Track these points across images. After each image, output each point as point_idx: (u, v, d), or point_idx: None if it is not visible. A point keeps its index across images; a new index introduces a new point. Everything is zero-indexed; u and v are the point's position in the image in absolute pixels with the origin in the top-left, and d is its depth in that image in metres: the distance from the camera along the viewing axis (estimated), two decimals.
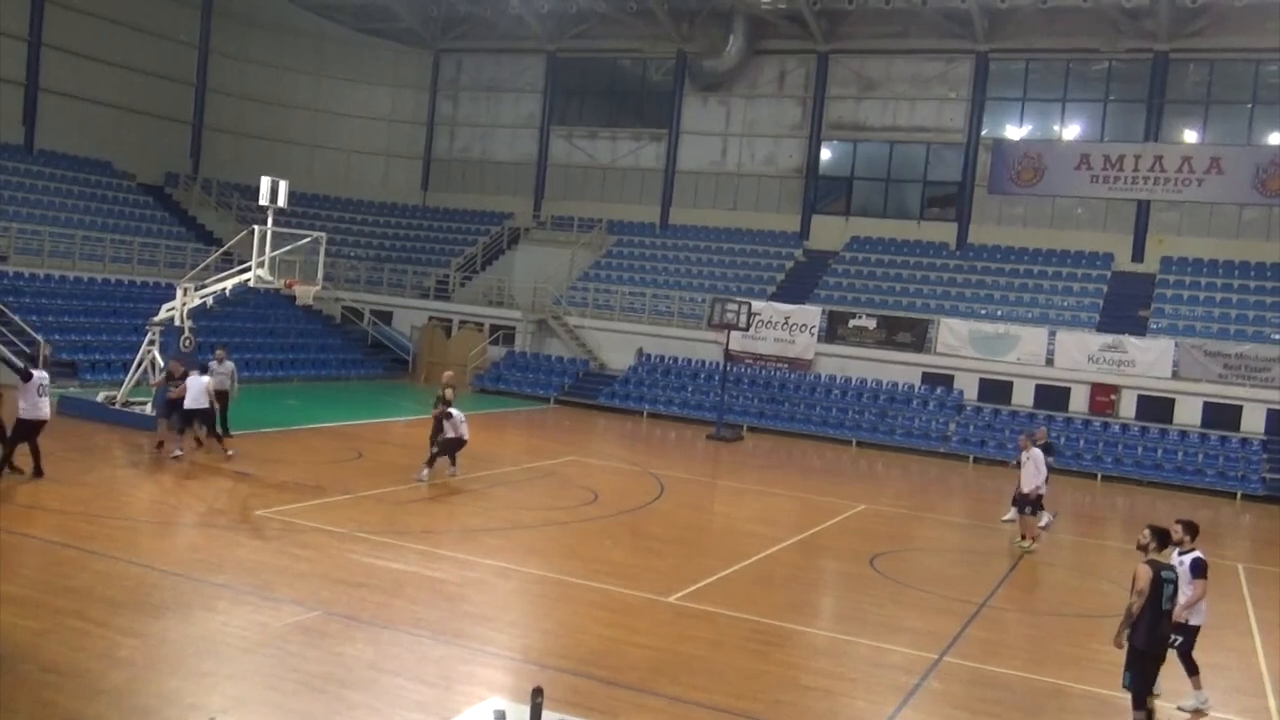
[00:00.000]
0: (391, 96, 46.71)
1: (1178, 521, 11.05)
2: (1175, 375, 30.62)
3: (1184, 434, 29.90)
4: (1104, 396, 31.13)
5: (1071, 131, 38.09)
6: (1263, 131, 35.70)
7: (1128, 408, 31.00)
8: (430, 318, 39.27)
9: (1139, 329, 32.54)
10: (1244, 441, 29.26)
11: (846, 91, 40.23)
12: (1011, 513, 20.05)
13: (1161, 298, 34.09)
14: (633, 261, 40.53)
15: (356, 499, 17.23)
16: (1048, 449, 19.57)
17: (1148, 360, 30.93)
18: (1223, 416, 29.93)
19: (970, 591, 14.93)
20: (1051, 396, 31.66)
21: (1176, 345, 30.95)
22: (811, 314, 34.80)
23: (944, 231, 38.67)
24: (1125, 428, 30.47)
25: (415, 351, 38.68)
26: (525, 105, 45.38)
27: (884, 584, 15.19)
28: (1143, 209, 36.30)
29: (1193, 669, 10.91)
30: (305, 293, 22.59)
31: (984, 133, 38.43)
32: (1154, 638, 9.58)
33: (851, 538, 18.25)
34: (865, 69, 39.88)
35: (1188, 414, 30.29)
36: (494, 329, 38.30)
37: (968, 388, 32.63)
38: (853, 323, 34.41)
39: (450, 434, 19.15)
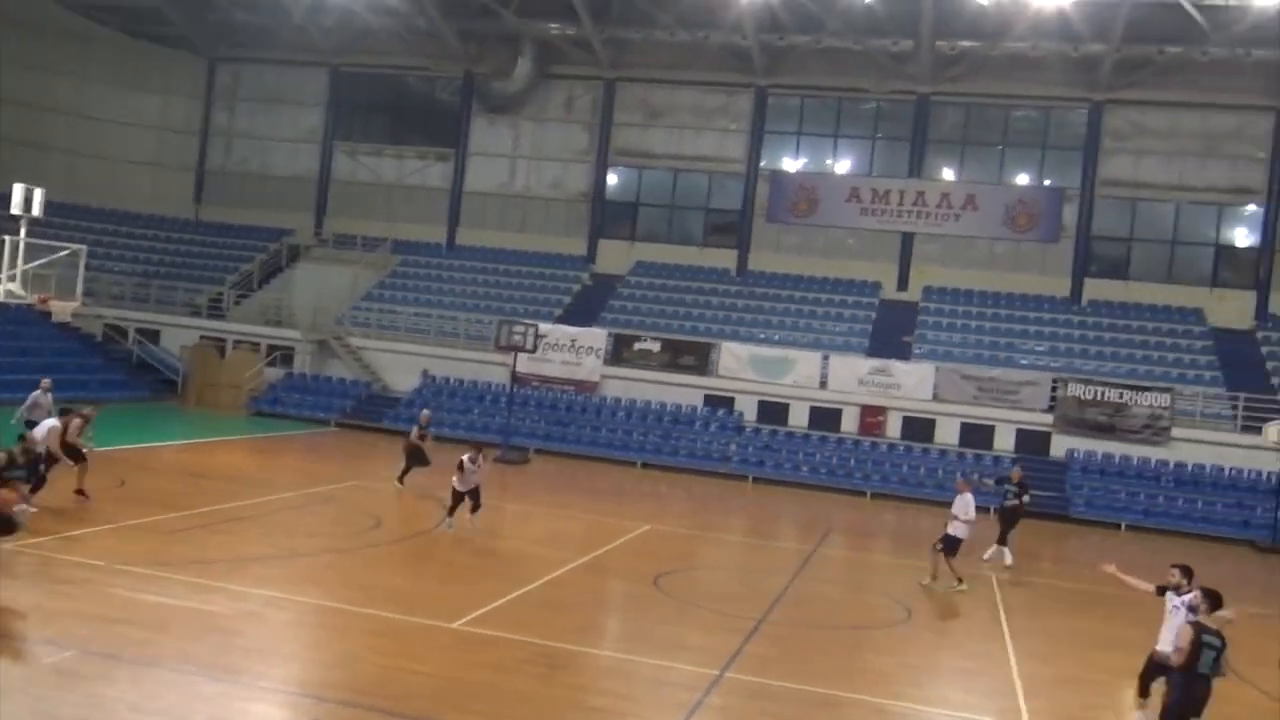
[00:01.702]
0: (162, 104, 44.41)
1: (1174, 566, 11.73)
2: (936, 397, 32.58)
3: (943, 452, 31.83)
4: (873, 417, 32.79)
5: (843, 166, 40.11)
6: (1012, 172, 38.63)
7: (894, 428, 32.75)
8: (202, 337, 37.45)
9: (904, 354, 34.47)
10: (996, 459, 31.38)
11: (633, 119, 41.02)
12: (992, 550, 21.11)
13: (924, 324, 36.24)
14: (419, 282, 39.91)
15: (119, 529, 16.20)
16: (1022, 487, 21.29)
17: (911, 383, 32.80)
18: (977, 436, 32.05)
19: (749, 608, 15.38)
20: (825, 418, 33.09)
21: (937, 369, 32.94)
22: (598, 337, 35.19)
23: (725, 258, 39.92)
24: (892, 447, 32.16)
25: (185, 373, 36.77)
26: (307, 119, 44.06)
27: (667, 603, 15.45)
28: (907, 241, 38.55)
29: None
30: (62, 309, 21.23)
31: (763, 164, 39.94)
32: (1186, 698, 9.51)
33: (636, 558, 18.50)
34: (651, 98, 40.79)
35: (947, 434, 32.28)
36: (271, 349, 36.89)
37: (747, 409, 33.70)
38: (638, 345, 34.99)
39: (462, 486, 18.59)
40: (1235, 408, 31.33)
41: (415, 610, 13.33)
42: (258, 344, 36.96)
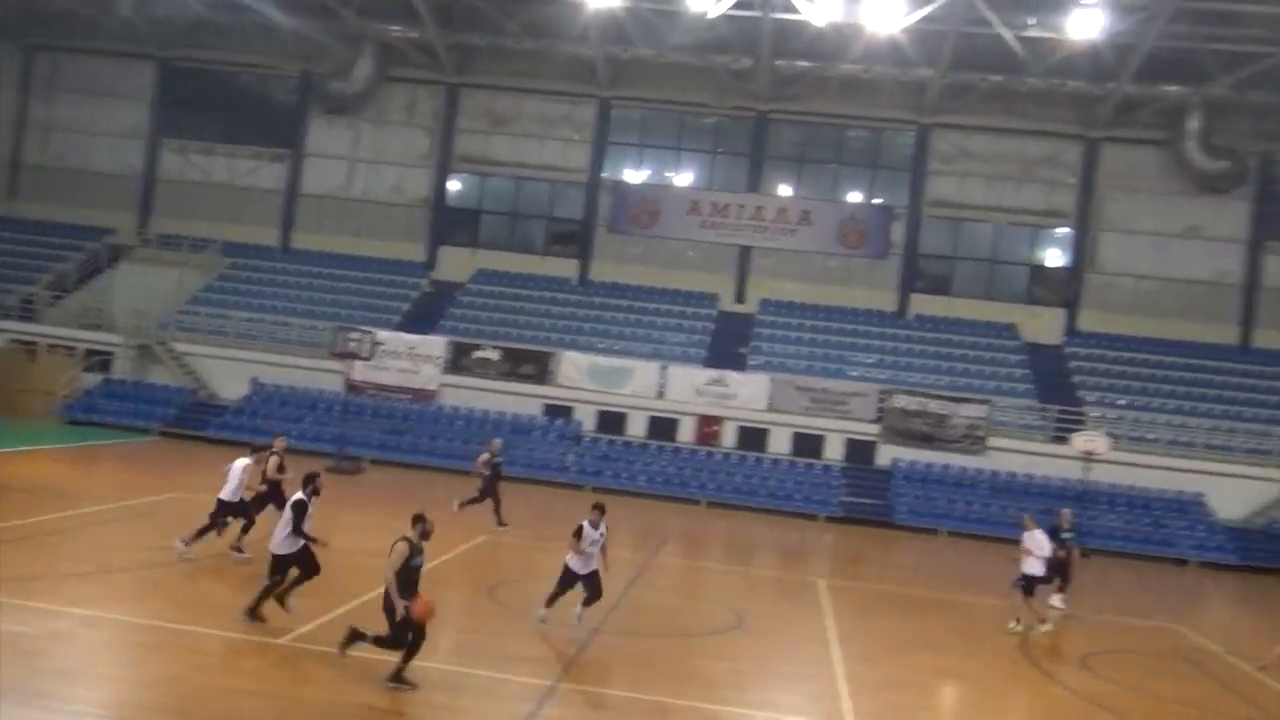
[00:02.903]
0: None
1: None
2: (770, 407, 33.40)
3: (776, 462, 32.66)
4: (709, 427, 33.41)
5: (684, 179, 40.78)
6: (845, 190, 40.02)
7: (729, 438, 33.43)
8: (11, 340, 35.34)
9: (740, 364, 35.23)
10: (826, 468, 32.41)
11: (476, 125, 40.74)
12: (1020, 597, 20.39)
13: (759, 336, 37.13)
14: (250, 286, 38.62)
15: None
16: (1054, 532, 19.19)
17: (747, 394, 33.55)
18: (809, 445, 33.02)
19: (586, 617, 15.42)
20: (663, 427, 33.53)
21: (771, 380, 33.79)
22: (437, 345, 34.77)
23: (567, 267, 40.03)
24: (727, 456, 32.81)
25: None
26: (133, 113, 42.12)
27: (503, 614, 15.39)
28: (745, 254, 39.45)
29: None
30: None
31: (605, 174, 40.27)
32: None
33: (472, 569, 18.36)
34: (495, 105, 40.59)
35: (780, 443, 33.14)
36: (89, 354, 35.10)
37: (586, 419, 33.85)
38: (477, 354, 34.73)
39: (581, 566, 14.54)
40: (1046, 418, 33.18)
41: (241, 626, 12.90)
42: (73, 348, 35.12)
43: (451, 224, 41.28)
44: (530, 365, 34.55)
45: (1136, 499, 30.97)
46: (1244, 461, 31.74)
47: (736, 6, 33.53)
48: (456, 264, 40.29)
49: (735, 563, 24.64)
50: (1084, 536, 28.83)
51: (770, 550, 26.82)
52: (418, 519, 11.71)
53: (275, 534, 13.32)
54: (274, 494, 17.66)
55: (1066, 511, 19.43)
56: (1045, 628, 17.71)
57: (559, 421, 33.74)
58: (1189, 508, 30.89)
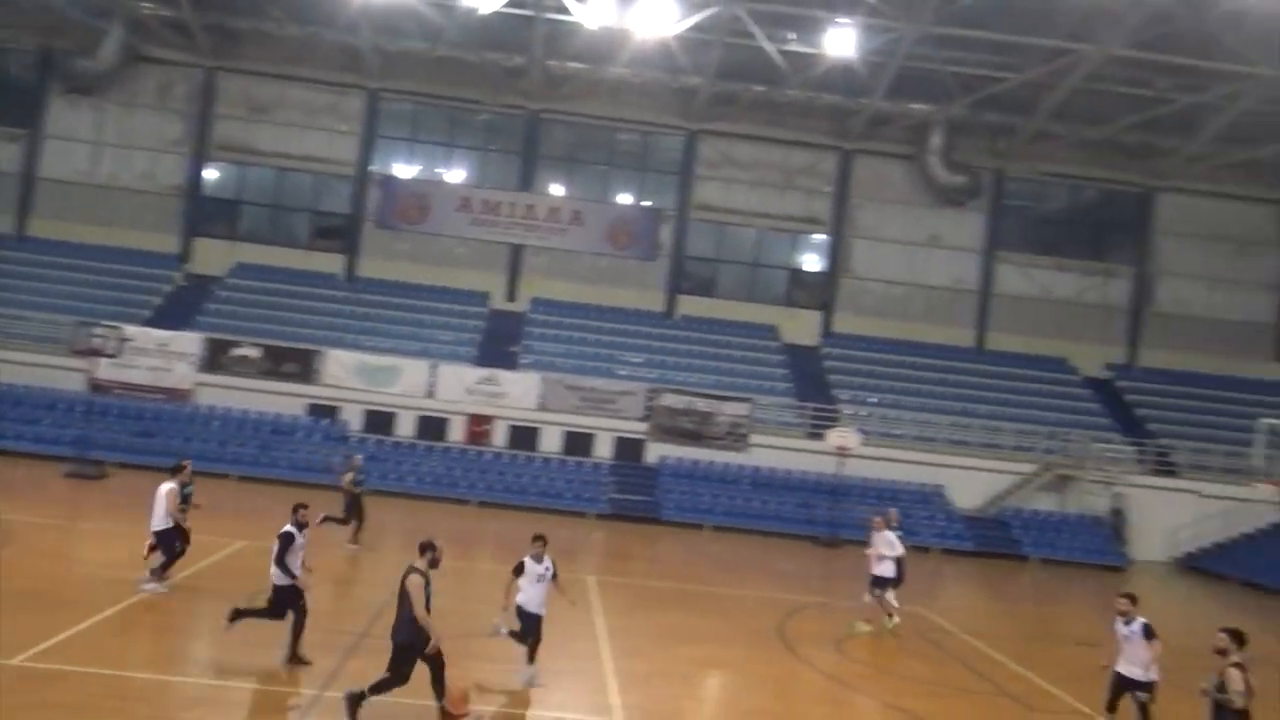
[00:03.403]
0: None
1: (1122, 595, 12.50)
2: (541, 406, 33.53)
3: (547, 460, 32.83)
4: (479, 426, 33.21)
5: (456, 175, 40.36)
6: (615, 191, 40.64)
7: (500, 437, 33.34)
8: None
9: (511, 363, 35.19)
10: (595, 466, 32.83)
11: (235, 112, 38.96)
12: (869, 596, 20.31)
13: (530, 335, 37.20)
14: None
15: None
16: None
17: (518, 393, 33.56)
18: (579, 444, 33.36)
19: (351, 623, 15.08)
20: (432, 427, 33.08)
21: (542, 379, 33.92)
22: (191, 341, 33.04)
23: (333, 262, 38.88)
24: (498, 455, 32.71)
25: None
26: None
27: (262, 624, 14.77)
28: (516, 252, 39.44)
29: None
30: None
31: (374, 168, 39.35)
32: None
33: (229, 577, 17.56)
34: (256, 92, 38.93)
35: (550, 442, 33.33)
36: None
37: (353, 419, 33.00)
38: (236, 352, 33.23)
39: (534, 605, 13.31)
40: (803, 416, 34.77)
41: None
42: None
43: (208, 214, 39.31)
44: (293, 364, 33.35)
45: (885, 491, 32.88)
46: (979, 455, 34.28)
47: (509, 4, 33.50)
48: (213, 256, 38.39)
49: (506, 563, 24.53)
50: (837, 528, 30.54)
51: None
52: (427, 547, 11.39)
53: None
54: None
55: (893, 512, 20.34)
56: (865, 628, 18.22)
57: (324, 422, 32.73)
58: (931, 498, 33.08)
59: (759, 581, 23.85)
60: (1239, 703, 10.30)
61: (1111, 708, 12.56)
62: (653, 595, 20.54)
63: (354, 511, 21.87)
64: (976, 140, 39.36)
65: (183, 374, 32.63)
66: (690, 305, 39.76)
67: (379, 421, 33.04)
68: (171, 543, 16.02)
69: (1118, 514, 33.20)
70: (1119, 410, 37.74)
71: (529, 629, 13.12)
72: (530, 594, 13.12)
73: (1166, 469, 34.69)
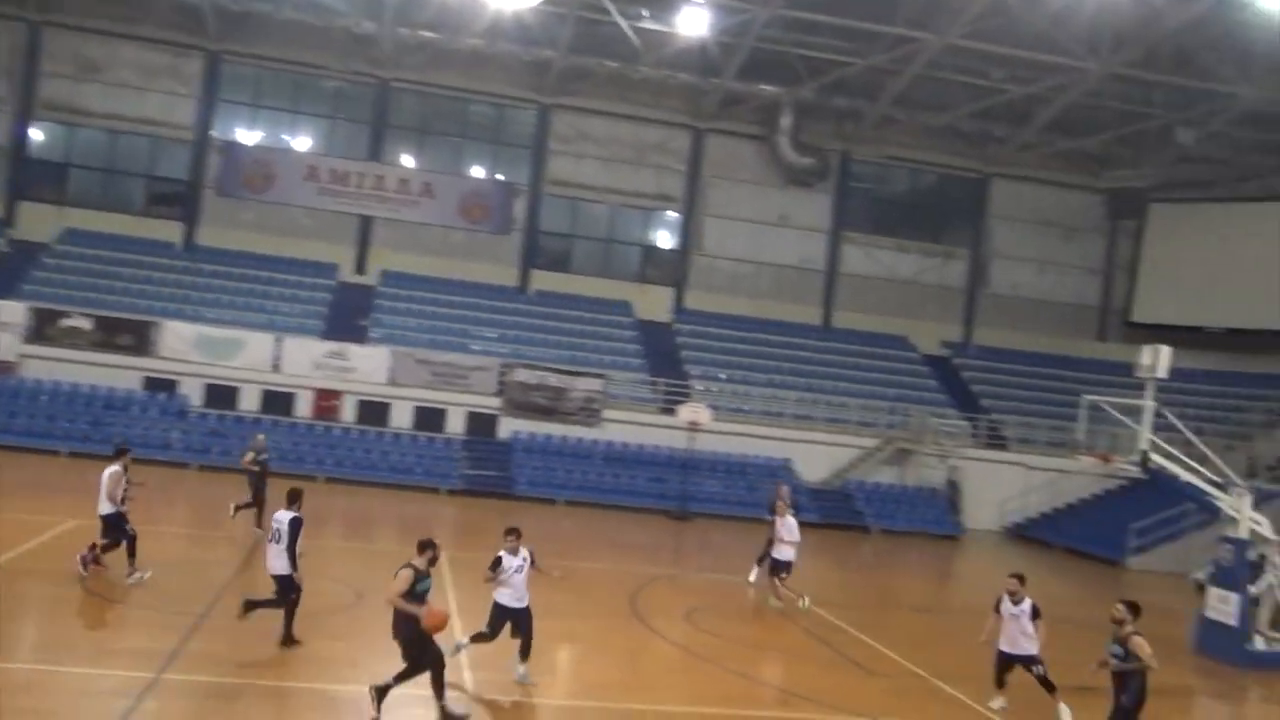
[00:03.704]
0: None
1: (1012, 576, 13.11)
2: (391, 381, 32.99)
3: (397, 436, 32.35)
4: (327, 401, 32.47)
5: (302, 143, 39.15)
6: (468, 164, 40.13)
7: (349, 412, 32.67)
8: None
9: (360, 337, 34.48)
10: (447, 442, 32.52)
11: (64, 70, 36.86)
12: (754, 573, 20.30)
13: (380, 308, 36.50)
14: None
15: None
16: (770, 508, 19.93)
17: (367, 367, 32.92)
18: (431, 419, 32.97)
19: (191, 604, 14.62)
20: (278, 401, 32.18)
21: (393, 353, 33.35)
22: (15, 311, 31.22)
23: (171, 230, 37.31)
24: (346, 431, 32.06)
25: None
26: None
27: (97, 605, 14.24)
28: (366, 224, 38.59)
29: (1052, 688, 13.09)
30: None
31: (215, 133, 37.86)
32: (1145, 696, 11.23)
33: (60, 558, 16.75)
34: (87, 49, 36.89)
35: (401, 417, 32.84)
36: None
37: (193, 393, 31.84)
38: (66, 322, 31.58)
39: (515, 599, 13.03)
40: (656, 391, 35.17)
41: None
42: None
43: (34, 177, 37.16)
44: (128, 335, 31.89)
45: (734, 465, 33.58)
46: (825, 429, 35.30)
47: None
48: (40, 222, 36.31)
49: (355, 539, 24.22)
50: (688, 502, 31.07)
51: (391, 525, 26.57)
52: (427, 545, 11.37)
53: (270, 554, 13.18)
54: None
55: (784, 489, 20.83)
56: (775, 604, 18.84)
57: (161, 396, 31.48)
58: (779, 472, 33.87)
59: (612, 555, 24.09)
60: (1154, 665, 11.13)
61: (1000, 683, 13.28)
62: None
63: (259, 493, 21.12)
64: (824, 123, 40.32)
65: (7, 345, 30.85)
66: (544, 280, 39.65)
67: (221, 396, 31.94)
68: (121, 526, 15.63)
69: (953, 486, 34.70)
70: (955, 386, 39.42)
71: (517, 625, 12.86)
72: (510, 589, 12.80)
73: (998, 443, 36.43)
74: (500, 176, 40.12)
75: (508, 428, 33.42)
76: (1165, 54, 32.83)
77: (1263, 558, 18.71)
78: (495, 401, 33.46)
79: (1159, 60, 33.29)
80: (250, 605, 13.14)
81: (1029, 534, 34.38)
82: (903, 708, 13.57)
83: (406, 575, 11.13)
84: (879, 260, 41.89)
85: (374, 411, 32.71)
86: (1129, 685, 11.23)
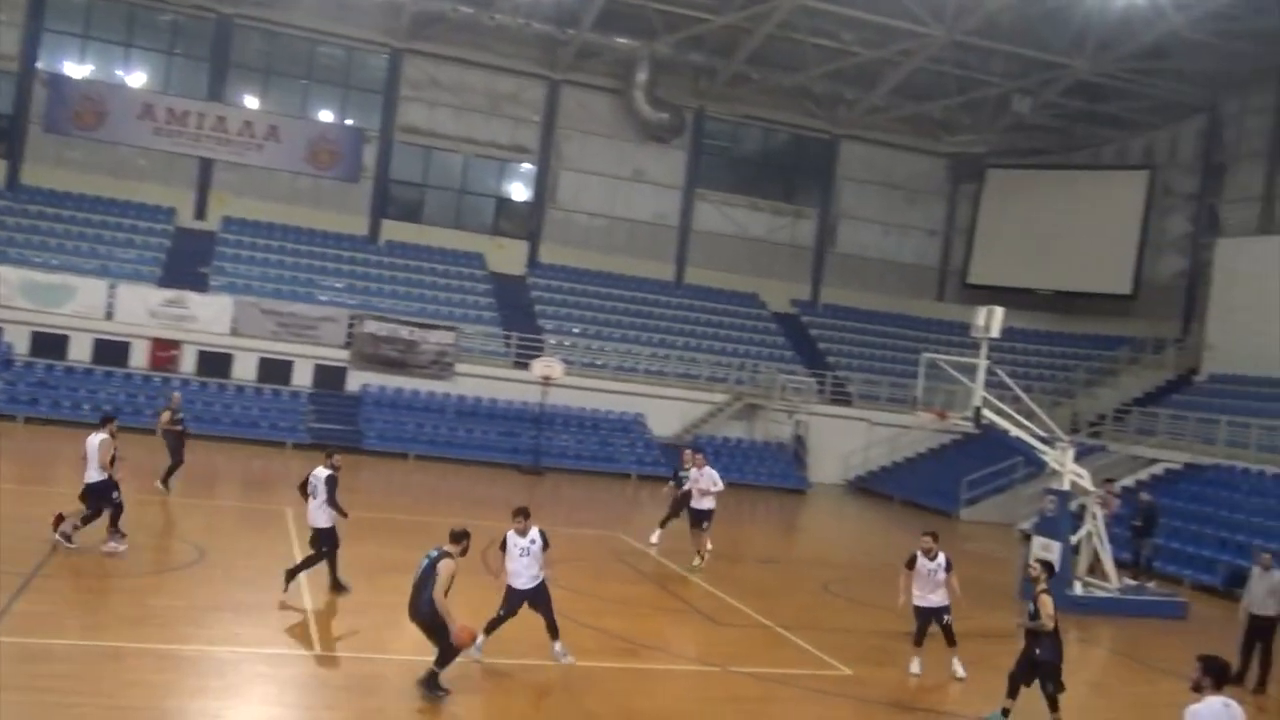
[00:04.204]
0: None
1: (926, 534, 13.59)
2: (234, 332, 31.91)
3: (241, 389, 31.37)
4: (164, 352, 31.21)
5: (136, 80, 37.20)
6: (316, 108, 38.83)
7: (189, 363, 31.49)
8: None
9: (200, 285, 33.17)
10: (294, 394, 31.72)
11: None
12: (657, 534, 20.22)
13: (222, 255, 35.17)
14: None
15: None
16: (674, 473, 20.58)
17: (208, 316, 31.75)
18: (276, 371, 32.07)
19: (19, 563, 13.95)
20: (111, 351, 30.77)
21: (235, 303, 32.23)
22: None
23: None
24: (186, 382, 30.88)
25: None
26: None
27: None
28: (206, 167, 37.01)
29: (953, 641, 13.58)
30: None
31: (40, 65, 35.62)
32: (1061, 650, 11.65)
33: None
34: None
35: (245, 369, 31.83)
36: None
37: (18, 341, 30.16)
38: None
39: (526, 580, 12.30)
40: (509, 345, 34.98)
41: None
42: None
43: None
44: None
45: (587, 420, 33.76)
46: (677, 385, 35.77)
47: None
48: None
49: (197, 495, 23.41)
50: (540, 456, 31.11)
51: (235, 480, 25.81)
52: (461, 535, 11.06)
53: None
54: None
55: (687, 452, 20.91)
56: (698, 562, 19.11)
57: None
58: (631, 427, 34.26)
59: (463, 510, 23.90)
60: (1049, 625, 11.43)
61: (919, 641, 13.62)
62: (354, 526, 20.05)
63: (177, 453, 20.73)
64: (680, 79, 40.44)
65: None
66: (395, 230, 38.81)
67: (49, 344, 30.33)
68: (108, 494, 15.15)
69: (799, 440, 35.70)
70: (803, 344, 40.43)
71: (535, 605, 12.26)
72: (518, 570, 12.12)
73: (842, 399, 37.57)
74: (350, 122, 38.98)
75: (357, 380, 32.79)
76: (1005, 23, 34.00)
77: (1083, 508, 19.91)
78: (344, 354, 32.76)
79: (999, 29, 34.47)
80: (291, 573, 13.81)
81: (870, 487, 35.68)
82: (750, 656, 13.98)
83: (451, 569, 10.75)
84: (731, 218, 42.44)
85: (216, 363, 31.61)
86: (1042, 641, 11.44)
